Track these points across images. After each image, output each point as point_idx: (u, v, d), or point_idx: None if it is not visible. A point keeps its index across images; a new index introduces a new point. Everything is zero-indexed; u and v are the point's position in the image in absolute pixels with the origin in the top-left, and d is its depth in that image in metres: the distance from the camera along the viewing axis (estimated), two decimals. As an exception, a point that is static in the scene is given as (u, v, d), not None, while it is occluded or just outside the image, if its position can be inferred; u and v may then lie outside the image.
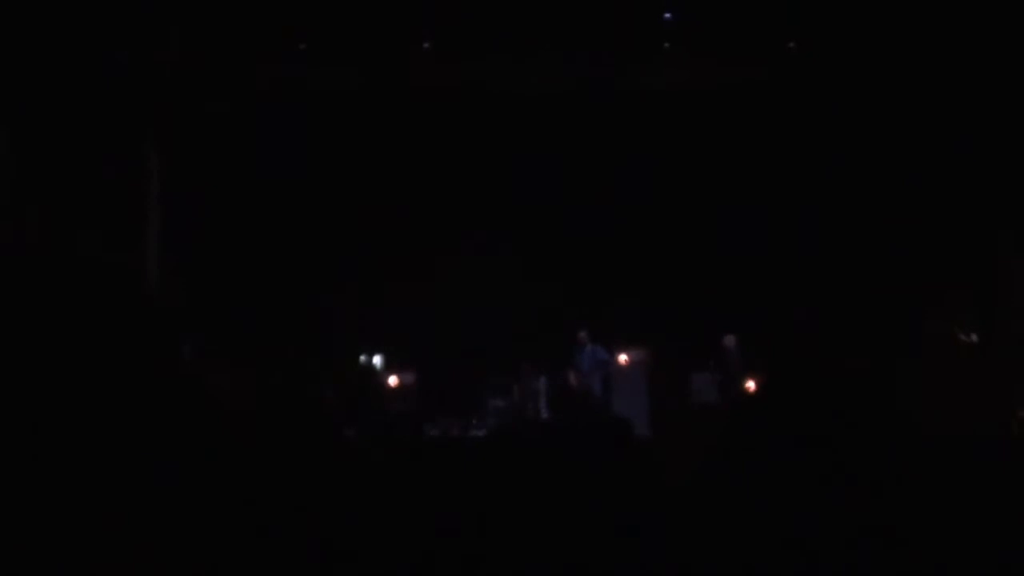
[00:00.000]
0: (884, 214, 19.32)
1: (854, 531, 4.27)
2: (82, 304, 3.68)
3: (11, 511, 3.36)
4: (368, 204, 21.48)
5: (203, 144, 21.06)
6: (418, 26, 19.68)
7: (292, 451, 4.53)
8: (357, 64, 20.09)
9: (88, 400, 3.76)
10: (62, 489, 3.53)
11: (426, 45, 20.36)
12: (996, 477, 4.78)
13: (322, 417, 4.44)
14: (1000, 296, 16.99)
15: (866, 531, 4.30)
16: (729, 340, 19.90)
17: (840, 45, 19.39)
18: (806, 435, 4.67)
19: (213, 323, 19.84)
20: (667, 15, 19.78)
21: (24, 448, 3.40)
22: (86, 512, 3.37)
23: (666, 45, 20.40)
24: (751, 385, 18.62)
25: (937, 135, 18.47)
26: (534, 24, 19.34)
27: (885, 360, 17.30)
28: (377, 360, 21.30)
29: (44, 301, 3.40)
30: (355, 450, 5.98)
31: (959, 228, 17.95)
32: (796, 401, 4.64)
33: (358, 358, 21.12)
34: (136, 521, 3.32)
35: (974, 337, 17.52)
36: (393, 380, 21.03)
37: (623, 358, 20.72)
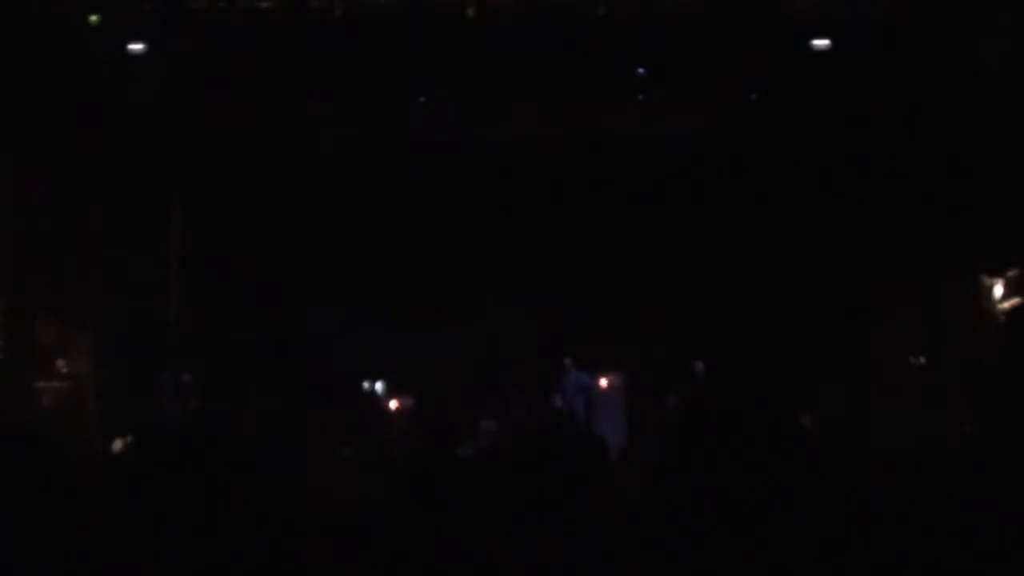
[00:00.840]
0: (839, 250, 19.36)
1: (806, 540, 4.18)
2: None
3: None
4: (373, 245, 21.53)
5: (222, 192, 21.15)
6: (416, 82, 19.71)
7: (289, 466, 4.47)
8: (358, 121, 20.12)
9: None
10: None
11: (422, 99, 20.40)
12: (942, 486, 4.71)
13: (320, 436, 4.39)
14: (945, 324, 16.99)
15: (817, 541, 4.21)
16: (698, 365, 19.97)
17: (795, 97, 19.52)
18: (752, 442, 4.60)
19: (226, 351, 19.84)
20: (640, 70, 19.96)
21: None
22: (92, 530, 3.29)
23: (640, 97, 20.49)
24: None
25: (884, 174, 18.54)
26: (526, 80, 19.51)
27: (843, 380, 17.32)
28: (379, 386, 21.39)
29: None
30: (352, 465, 5.97)
31: (908, 263, 17.97)
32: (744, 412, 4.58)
33: (362, 384, 21.18)
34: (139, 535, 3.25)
35: (922, 360, 17.52)
36: (394, 404, 21.13)
37: (604, 382, 20.83)
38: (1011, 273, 15.70)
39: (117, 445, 15.26)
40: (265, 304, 21.39)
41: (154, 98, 19.57)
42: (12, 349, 17.26)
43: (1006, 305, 15.56)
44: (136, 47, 18.33)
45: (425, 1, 18.04)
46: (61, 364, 18.86)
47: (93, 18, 18.01)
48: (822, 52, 18.59)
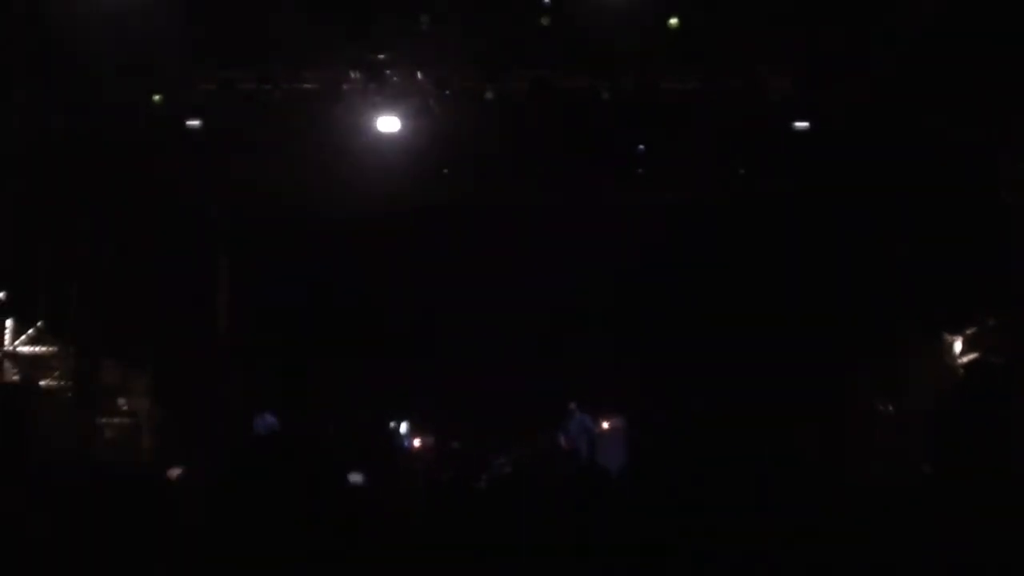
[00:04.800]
0: (817, 307, 19.51)
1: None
2: None
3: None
4: (397, 298, 21.77)
5: (263, 252, 21.40)
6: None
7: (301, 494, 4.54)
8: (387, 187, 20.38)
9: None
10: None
11: (446, 171, 20.70)
12: (907, 520, 4.87)
13: (331, 465, 4.49)
14: (910, 376, 17.06)
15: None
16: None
17: (777, 171, 19.77)
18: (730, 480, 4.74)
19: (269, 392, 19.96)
20: (640, 147, 20.23)
21: None
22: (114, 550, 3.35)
23: (639, 170, 20.75)
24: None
25: (858, 241, 18.71)
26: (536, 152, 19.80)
27: (818, 425, 17.38)
28: (404, 426, 21.53)
29: None
30: (362, 493, 6.10)
31: (878, 321, 18.09)
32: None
33: (387, 423, 21.30)
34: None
35: (890, 408, 17.57)
36: (417, 442, 21.24)
37: (606, 425, 20.84)
38: (969, 331, 15.78)
39: (173, 474, 15.35)
40: (306, 349, 21.65)
41: (208, 165, 19.85)
42: (78, 389, 17.38)
43: (964, 360, 15.63)
44: (192, 123, 18.56)
45: (451, 84, 18.29)
46: (122, 402, 18.99)
47: (156, 97, 18.27)
48: (801, 132, 18.77)
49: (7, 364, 15.77)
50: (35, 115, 16.25)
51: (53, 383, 16.86)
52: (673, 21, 16.78)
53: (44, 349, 16.85)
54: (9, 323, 16.13)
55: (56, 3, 15.60)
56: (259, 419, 18.50)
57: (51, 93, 16.51)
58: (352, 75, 18.27)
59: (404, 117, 18.95)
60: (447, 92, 18.48)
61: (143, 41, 16.52)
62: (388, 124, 19.11)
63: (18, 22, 15.26)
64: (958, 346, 15.83)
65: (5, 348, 16.00)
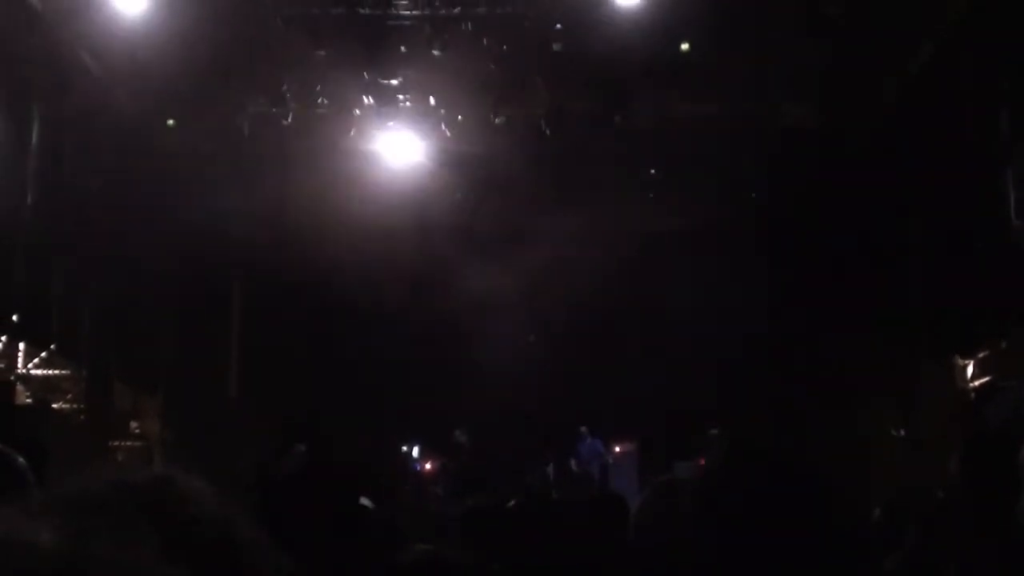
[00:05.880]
0: (830, 331, 19.49)
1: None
2: None
3: None
4: (409, 326, 21.94)
5: (276, 275, 21.53)
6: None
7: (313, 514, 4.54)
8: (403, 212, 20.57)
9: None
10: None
11: (459, 195, 20.85)
12: (920, 545, 4.87)
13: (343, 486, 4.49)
14: (923, 400, 17.03)
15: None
16: (713, 434, 19.99)
17: (790, 196, 19.83)
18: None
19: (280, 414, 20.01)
20: (652, 171, 20.30)
21: None
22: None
23: (651, 195, 20.84)
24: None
25: (870, 265, 18.72)
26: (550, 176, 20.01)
27: (832, 449, 17.34)
28: (415, 450, 21.58)
29: None
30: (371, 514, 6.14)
31: (890, 346, 18.08)
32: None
33: (400, 446, 21.36)
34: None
35: (902, 432, 17.53)
36: (428, 465, 21.25)
37: (617, 449, 20.81)
38: (981, 355, 15.76)
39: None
40: (319, 373, 21.75)
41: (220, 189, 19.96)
42: (91, 412, 17.41)
43: (976, 383, 15.61)
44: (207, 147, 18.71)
45: (463, 109, 18.38)
46: (134, 426, 19.03)
47: (170, 122, 18.42)
48: (813, 157, 18.82)
49: (19, 387, 15.79)
50: (48, 137, 16.34)
51: (65, 406, 16.89)
52: (685, 46, 16.87)
53: (56, 372, 16.89)
54: (22, 346, 16.17)
55: (72, 27, 15.74)
56: (292, 452, 18.55)
57: (65, 116, 16.61)
58: (365, 100, 18.37)
59: (417, 142, 19.06)
60: (459, 117, 18.57)
61: (157, 65, 16.65)
62: (400, 149, 19.22)
63: (33, 44, 15.37)
64: (969, 370, 15.81)
65: (17, 371, 16.03)
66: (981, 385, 15.14)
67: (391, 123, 18.63)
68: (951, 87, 15.70)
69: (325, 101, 18.42)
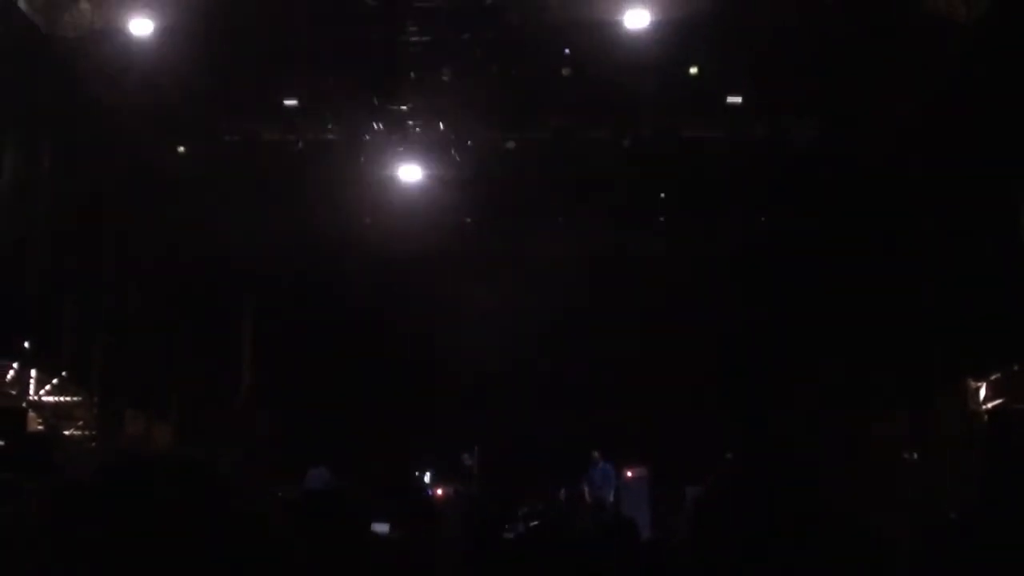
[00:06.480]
0: (842, 355, 19.45)
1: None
2: None
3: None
4: (421, 351, 22.04)
5: (287, 302, 21.59)
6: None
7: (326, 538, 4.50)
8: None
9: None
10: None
11: (468, 220, 20.87)
12: (936, 569, 4.86)
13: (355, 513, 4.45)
14: (934, 425, 16.98)
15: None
16: (728, 459, 19.92)
17: (798, 220, 19.84)
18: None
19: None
20: (662, 194, 20.35)
21: None
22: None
23: (660, 219, 20.86)
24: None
25: (882, 289, 18.66)
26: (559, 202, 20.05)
27: (847, 472, 17.30)
28: (428, 476, 21.59)
29: None
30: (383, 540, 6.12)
31: (903, 369, 18.03)
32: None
33: (413, 472, 21.37)
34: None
35: (915, 455, 17.47)
36: (440, 491, 21.22)
37: (629, 474, 20.75)
38: (993, 377, 15.71)
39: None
40: (329, 398, 21.77)
41: (232, 216, 20.01)
42: (104, 439, 17.42)
43: (989, 406, 15.55)
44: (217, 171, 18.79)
45: (473, 134, 18.41)
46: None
47: (181, 149, 18.48)
48: (821, 181, 18.81)
49: (32, 413, 15.80)
50: (62, 167, 16.41)
51: (77, 432, 16.89)
52: (693, 70, 16.89)
53: (68, 399, 16.90)
54: (34, 372, 16.19)
55: (84, 57, 15.82)
56: (314, 473, 18.51)
57: (78, 145, 16.69)
58: (375, 126, 18.41)
59: (426, 167, 19.09)
60: (469, 142, 18.60)
61: (169, 94, 16.73)
62: (411, 174, 19.25)
63: (46, 77, 15.46)
64: (982, 392, 15.76)
65: (30, 397, 16.04)
66: (994, 408, 15.10)
67: (401, 148, 18.67)
68: (964, 107, 15.68)
69: (335, 126, 18.47)
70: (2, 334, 15.08)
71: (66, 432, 16.57)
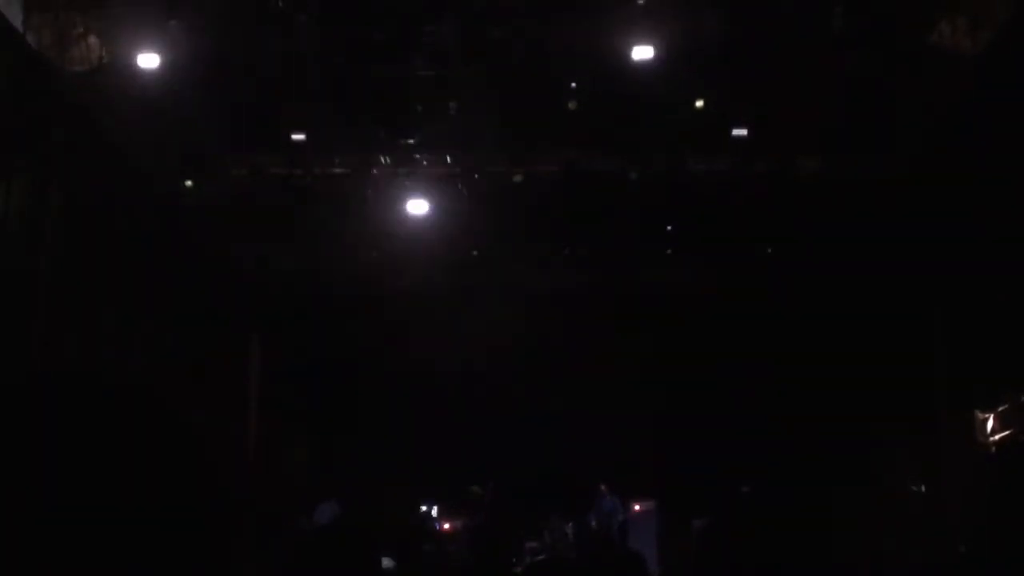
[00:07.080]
0: (848, 387, 19.40)
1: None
2: None
3: None
4: (427, 385, 22.08)
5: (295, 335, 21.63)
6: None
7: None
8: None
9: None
10: None
11: (475, 253, 20.93)
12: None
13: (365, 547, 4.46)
14: (942, 456, 16.94)
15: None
16: (744, 490, 19.94)
17: (805, 250, 19.85)
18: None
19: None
20: (668, 227, 20.38)
21: None
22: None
23: (668, 251, 20.91)
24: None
25: (887, 317, 18.65)
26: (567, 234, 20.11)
27: (853, 506, 17.26)
28: (435, 510, 21.61)
29: None
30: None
31: (910, 401, 17.99)
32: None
33: (419, 507, 21.38)
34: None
35: (923, 488, 17.42)
36: (447, 525, 21.24)
37: (636, 507, 20.75)
38: (1001, 408, 15.68)
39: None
40: (336, 431, 21.79)
41: (240, 249, 20.05)
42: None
43: (997, 438, 15.52)
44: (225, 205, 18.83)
45: (480, 167, 18.46)
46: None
47: (188, 183, 18.54)
48: (826, 211, 18.83)
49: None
50: (70, 200, 16.45)
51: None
52: (699, 103, 16.95)
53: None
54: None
55: (92, 90, 15.88)
56: (322, 507, 18.50)
57: (86, 178, 16.73)
58: (382, 159, 18.47)
59: (434, 200, 19.13)
60: (476, 175, 18.65)
61: (177, 127, 16.80)
62: (418, 207, 19.29)
63: (55, 109, 15.51)
64: (990, 424, 15.72)
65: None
66: (1002, 439, 15.07)
67: (408, 181, 18.72)
68: (969, 135, 15.71)
69: (342, 160, 18.54)
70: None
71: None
